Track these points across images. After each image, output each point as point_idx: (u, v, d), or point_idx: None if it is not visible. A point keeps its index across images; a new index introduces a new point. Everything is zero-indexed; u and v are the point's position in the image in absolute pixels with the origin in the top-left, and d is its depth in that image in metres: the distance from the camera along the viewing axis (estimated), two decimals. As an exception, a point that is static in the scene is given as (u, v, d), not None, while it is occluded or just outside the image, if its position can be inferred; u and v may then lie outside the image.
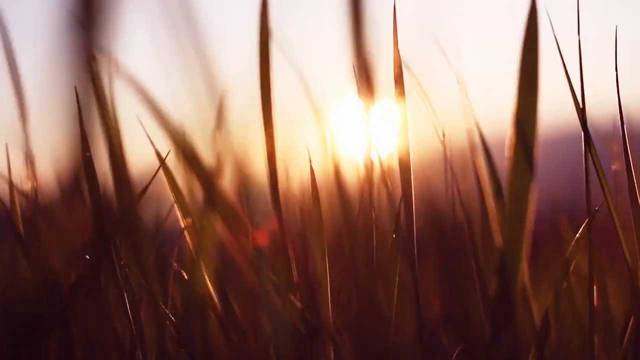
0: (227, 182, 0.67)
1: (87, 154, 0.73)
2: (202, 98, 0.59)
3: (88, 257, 0.71)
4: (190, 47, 0.57)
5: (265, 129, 0.72)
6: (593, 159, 0.78)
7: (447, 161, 0.79)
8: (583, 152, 0.78)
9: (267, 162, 0.73)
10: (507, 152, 0.69)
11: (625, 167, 0.80)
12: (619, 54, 0.78)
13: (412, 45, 0.73)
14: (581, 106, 0.79)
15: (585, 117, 0.79)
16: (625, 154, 0.80)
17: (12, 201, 0.84)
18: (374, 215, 0.73)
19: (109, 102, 0.69)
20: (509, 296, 0.69)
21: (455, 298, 0.77)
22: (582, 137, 0.78)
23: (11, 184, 0.84)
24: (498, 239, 0.73)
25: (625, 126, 0.80)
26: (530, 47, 0.66)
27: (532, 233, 0.72)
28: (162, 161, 0.80)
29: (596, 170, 0.79)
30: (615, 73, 0.78)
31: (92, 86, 0.62)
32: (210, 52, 0.57)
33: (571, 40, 0.79)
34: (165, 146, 0.81)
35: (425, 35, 0.73)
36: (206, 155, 0.65)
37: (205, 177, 0.65)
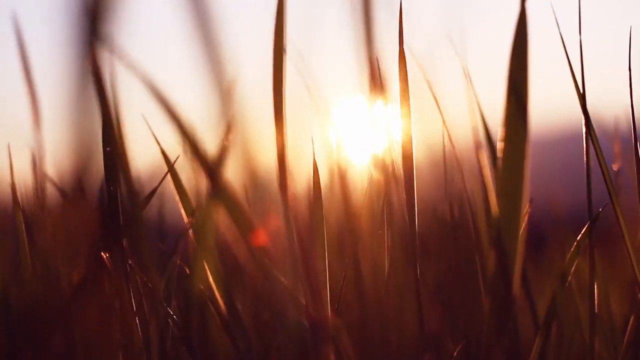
0: (233, 176, 0.67)
1: (108, 149, 0.74)
2: (211, 90, 0.60)
3: (92, 255, 0.72)
4: (201, 38, 0.57)
5: (276, 125, 0.72)
6: (594, 143, 0.78)
7: (452, 159, 0.79)
8: (583, 136, 0.78)
9: (276, 159, 0.73)
10: (498, 153, 0.69)
11: (635, 163, 0.80)
12: (622, 53, 0.79)
13: (421, 42, 0.74)
14: (582, 91, 0.79)
15: (586, 102, 0.79)
16: (635, 150, 0.80)
17: (15, 201, 0.84)
18: (377, 212, 0.74)
19: (112, 98, 0.69)
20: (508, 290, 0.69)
21: (457, 296, 0.77)
22: (583, 121, 0.78)
23: (13, 182, 0.84)
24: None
25: (633, 124, 0.80)
26: (520, 47, 0.66)
27: (533, 233, 0.72)
28: (167, 160, 0.80)
29: (597, 155, 0.78)
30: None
31: (95, 81, 0.62)
32: (221, 44, 0.57)
33: (574, 36, 0.80)
34: (169, 145, 0.81)
35: (435, 32, 0.73)
36: (214, 147, 0.65)
37: (212, 168, 0.65)
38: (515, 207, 0.68)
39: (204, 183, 0.73)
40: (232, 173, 0.66)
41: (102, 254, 0.72)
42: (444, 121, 0.79)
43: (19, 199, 0.83)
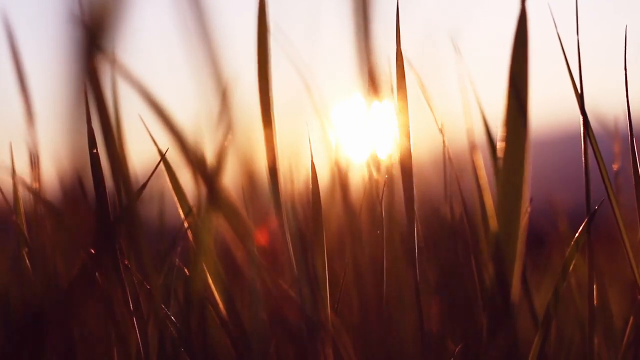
0: (229, 179, 0.67)
1: (94, 151, 0.74)
2: (206, 93, 0.60)
3: (90, 254, 0.72)
4: (196, 42, 0.57)
5: (265, 127, 0.73)
6: (592, 143, 0.78)
7: (448, 159, 0.79)
8: (582, 136, 0.79)
9: (267, 160, 0.73)
10: (498, 153, 0.69)
11: (631, 159, 0.80)
12: (621, 53, 0.79)
13: (418, 42, 0.74)
14: (579, 91, 0.79)
15: (584, 102, 0.79)
16: (631, 149, 0.80)
17: (16, 199, 0.84)
18: (376, 212, 0.74)
19: (111, 101, 0.69)
20: (506, 288, 0.69)
21: (455, 295, 0.77)
22: (581, 121, 0.78)
23: (15, 182, 0.85)
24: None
25: (630, 124, 0.80)
26: (520, 47, 0.66)
27: (532, 232, 0.72)
28: (163, 159, 0.81)
29: (595, 155, 0.78)
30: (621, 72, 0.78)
31: (93, 85, 0.63)
32: (217, 48, 0.58)
33: (572, 37, 0.80)
34: (166, 143, 0.81)
35: (432, 32, 0.73)
36: (208, 151, 0.65)
37: (207, 174, 0.65)
38: (516, 208, 0.67)
39: (201, 184, 0.73)
40: (229, 176, 0.66)
41: (95, 255, 0.72)
42: (436, 121, 0.79)
43: (20, 198, 0.83)
